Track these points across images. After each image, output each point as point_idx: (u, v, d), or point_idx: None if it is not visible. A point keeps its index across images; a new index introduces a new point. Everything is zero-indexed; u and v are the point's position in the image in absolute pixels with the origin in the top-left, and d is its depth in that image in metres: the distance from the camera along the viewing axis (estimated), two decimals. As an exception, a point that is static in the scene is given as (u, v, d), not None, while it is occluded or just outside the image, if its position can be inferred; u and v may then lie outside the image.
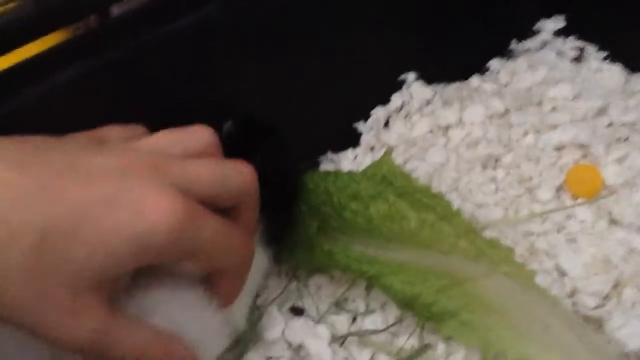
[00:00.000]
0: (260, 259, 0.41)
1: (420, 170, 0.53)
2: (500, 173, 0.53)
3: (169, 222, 0.27)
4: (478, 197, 0.51)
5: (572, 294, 0.44)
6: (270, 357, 0.43)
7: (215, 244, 0.30)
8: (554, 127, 0.54)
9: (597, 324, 0.42)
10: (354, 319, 0.45)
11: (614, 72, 0.60)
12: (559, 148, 0.53)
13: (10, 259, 0.25)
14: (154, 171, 0.29)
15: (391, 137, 0.57)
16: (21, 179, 0.26)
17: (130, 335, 0.29)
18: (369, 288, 0.46)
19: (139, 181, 0.28)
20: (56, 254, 0.26)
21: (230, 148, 0.41)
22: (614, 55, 0.62)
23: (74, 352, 0.29)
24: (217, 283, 0.35)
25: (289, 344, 0.43)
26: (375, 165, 0.45)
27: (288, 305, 0.46)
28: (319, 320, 0.45)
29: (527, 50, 0.65)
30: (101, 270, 0.27)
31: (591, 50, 0.63)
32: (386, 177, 0.44)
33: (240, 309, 0.40)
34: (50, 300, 0.26)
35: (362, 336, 0.43)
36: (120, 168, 0.28)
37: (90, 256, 0.26)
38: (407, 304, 0.41)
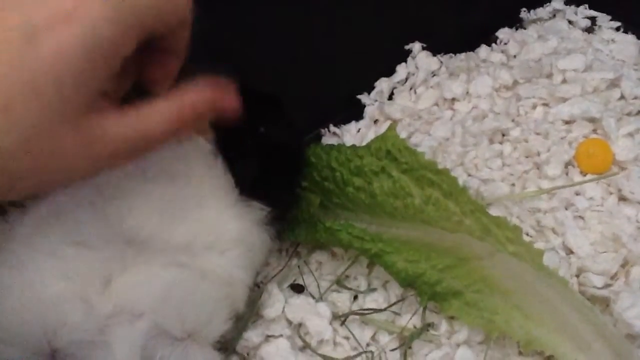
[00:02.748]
0: (263, 238, 0.40)
1: (425, 144, 0.52)
2: (507, 148, 0.51)
3: (102, 8, 0.26)
4: (484, 172, 0.50)
5: (579, 272, 0.43)
6: (270, 335, 0.42)
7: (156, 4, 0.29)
8: (564, 100, 0.53)
9: (604, 303, 0.42)
10: (355, 297, 0.45)
11: (627, 43, 0.58)
12: (569, 122, 0.52)
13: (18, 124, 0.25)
14: None
15: (395, 109, 0.55)
16: None
17: (155, 114, 0.30)
18: (370, 266, 0.45)
19: None
20: (28, 115, 0.25)
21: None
22: (628, 25, 0.60)
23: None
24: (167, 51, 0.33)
25: (289, 322, 0.43)
26: (379, 139, 0.43)
27: (288, 282, 0.46)
28: (319, 298, 0.44)
29: (537, 20, 0.63)
30: (78, 92, 0.26)
31: (604, 19, 0.61)
32: (390, 152, 0.42)
33: (241, 287, 0.39)
34: (64, 149, 0.26)
35: (364, 315, 0.42)
36: None
37: (57, 93, 0.25)
38: (410, 283, 0.41)
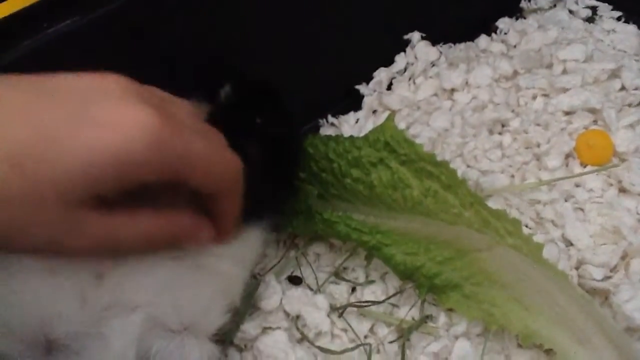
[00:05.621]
0: (258, 231, 0.40)
1: (423, 135, 0.51)
2: (507, 139, 0.51)
3: (146, 133, 0.27)
4: (483, 163, 0.49)
5: (579, 265, 0.43)
6: (268, 327, 0.42)
7: (201, 160, 0.30)
8: (564, 90, 0.52)
9: (604, 296, 0.41)
10: (354, 289, 0.44)
11: (628, 33, 0.58)
12: (569, 113, 0.51)
13: None
14: (132, 93, 0.28)
15: (394, 100, 0.55)
16: None
17: (133, 226, 0.30)
18: (369, 257, 0.45)
19: (111, 98, 0.27)
20: (32, 178, 0.25)
21: (229, 112, 0.39)
22: (629, 15, 0.60)
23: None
24: (211, 210, 0.34)
25: (287, 314, 0.42)
26: (377, 130, 0.43)
27: (286, 274, 0.45)
28: (317, 290, 0.44)
29: (538, 9, 0.62)
30: (83, 187, 0.27)
31: (605, 9, 0.61)
32: (389, 143, 0.42)
33: (237, 281, 0.39)
34: (43, 222, 0.27)
35: (362, 307, 0.42)
36: (93, 87, 0.28)
37: (67, 176, 0.26)
38: (409, 276, 0.40)
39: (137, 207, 0.30)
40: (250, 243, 0.39)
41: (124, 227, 0.30)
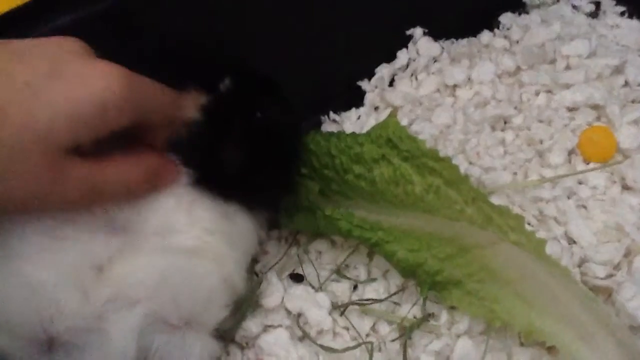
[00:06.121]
0: (256, 221, 0.40)
1: (426, 131, 0.51)
2: (509, 135, 0.50)
3: (119, 80, 0.30)
4: (486, 160, 0.49)
5: (582, 262, 0.43)
6: (270, 325, 0.42)
7: (160, 96, 0.34)
8: (568, 86, 0.52)
9: (607, 293, 0.41)
10: (355, 287, 0.44)
11: (632, 29, 0.57)
12: (572, 109, 0.51)
13: None
14: (92, 52, 0.32)
15: (396, 96, 0.55)
16: None
17: (112, 173, 0.32)
18: (370, 255, 0.45)
19: (78, 56, 0.31)
20: (16, 132, 0.27)
21: (229, 105, 0.39)
22: (632, 10, 0.59)
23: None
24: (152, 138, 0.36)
25: (289, 312, 0.42)
26: (379, 126, 0.42)
27: (288, 271, 0.45)
28: (319, 287, 0.44)
29: (541, 4, 0.62)
30: (66, 136, 0.29)
31: (608, 4, 0.60)
32: (391, 139, 0.41)
33: (238, 268, 0.39)
34: (28, 172, 0.28)
35: (363, 305, 0.42)
36: (57, 48, 0.31)
37: (50, 126, 0.28)
38: (411, 273, 0.40)
39: (110, 155, 0.33)
40: (242, 226, 0.39)
41: (104, 174, 0.32)
